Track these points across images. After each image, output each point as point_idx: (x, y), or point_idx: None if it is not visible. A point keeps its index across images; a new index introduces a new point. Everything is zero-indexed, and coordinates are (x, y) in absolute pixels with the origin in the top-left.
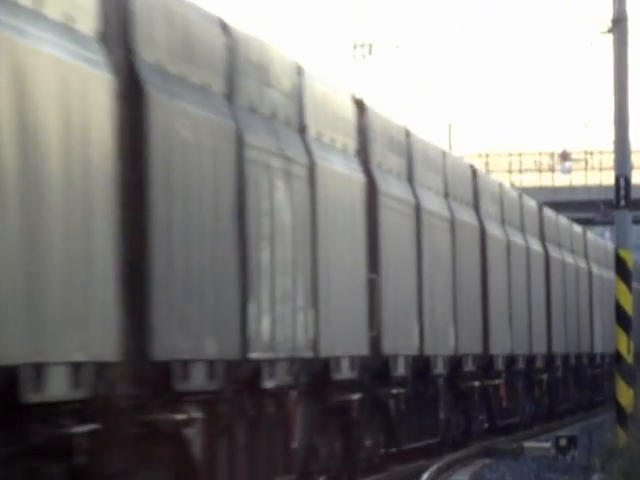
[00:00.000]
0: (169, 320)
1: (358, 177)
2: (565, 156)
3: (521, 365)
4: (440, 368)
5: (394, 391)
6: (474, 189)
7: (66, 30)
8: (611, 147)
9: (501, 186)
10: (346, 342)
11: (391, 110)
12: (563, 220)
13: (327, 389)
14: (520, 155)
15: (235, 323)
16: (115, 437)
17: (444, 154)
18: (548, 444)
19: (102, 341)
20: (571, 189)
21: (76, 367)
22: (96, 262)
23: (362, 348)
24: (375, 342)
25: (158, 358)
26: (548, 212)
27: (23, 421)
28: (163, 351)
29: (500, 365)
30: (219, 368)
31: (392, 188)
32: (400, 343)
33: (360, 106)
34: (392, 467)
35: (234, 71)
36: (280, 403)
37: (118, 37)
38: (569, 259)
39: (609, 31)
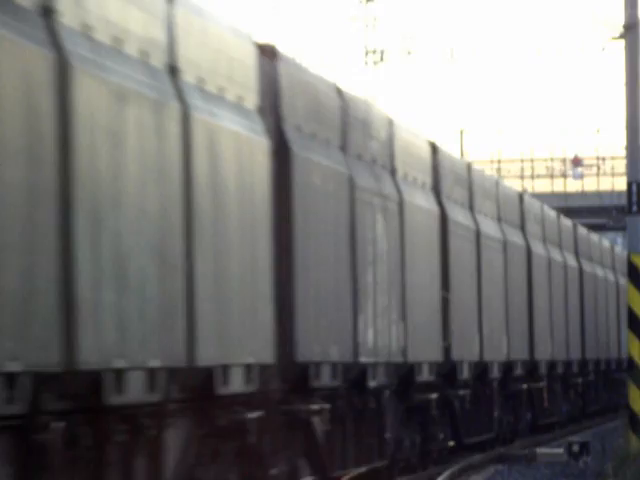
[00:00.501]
0: (307, 330)
1: (433, 209)
2: (577, 162)
3: (560, 370)
4: (495, 372)
5: (460, 392)
6: (521, 212)
7: (238, 108)
8: (623, 153)
9: (542, 208)
10: (426, 350)
11: (403, 116)
12: (594, 236)
13: (411, 389)
14: (532, 161)
15: (349, 333)
16: (269, 423)
17: (497, 183)
18: (561, 450)
19: (263, 347)
20: (583, 195)
21: (248, 368)
22: (259, 287)
23: (438, 355)
24: (446, 350)
25: (300, 360)
26: (581, 230)
27: (211, 409)
28: (303, 355)
29: (543, 370)
30: (339, 369)
31: (458, 216)
32: (465, 351)
33: (433, 147)
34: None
35: (346, 127)
36: (377, 400)
37: (270, 107)
38: (599, 272)
39: (621, 37)
